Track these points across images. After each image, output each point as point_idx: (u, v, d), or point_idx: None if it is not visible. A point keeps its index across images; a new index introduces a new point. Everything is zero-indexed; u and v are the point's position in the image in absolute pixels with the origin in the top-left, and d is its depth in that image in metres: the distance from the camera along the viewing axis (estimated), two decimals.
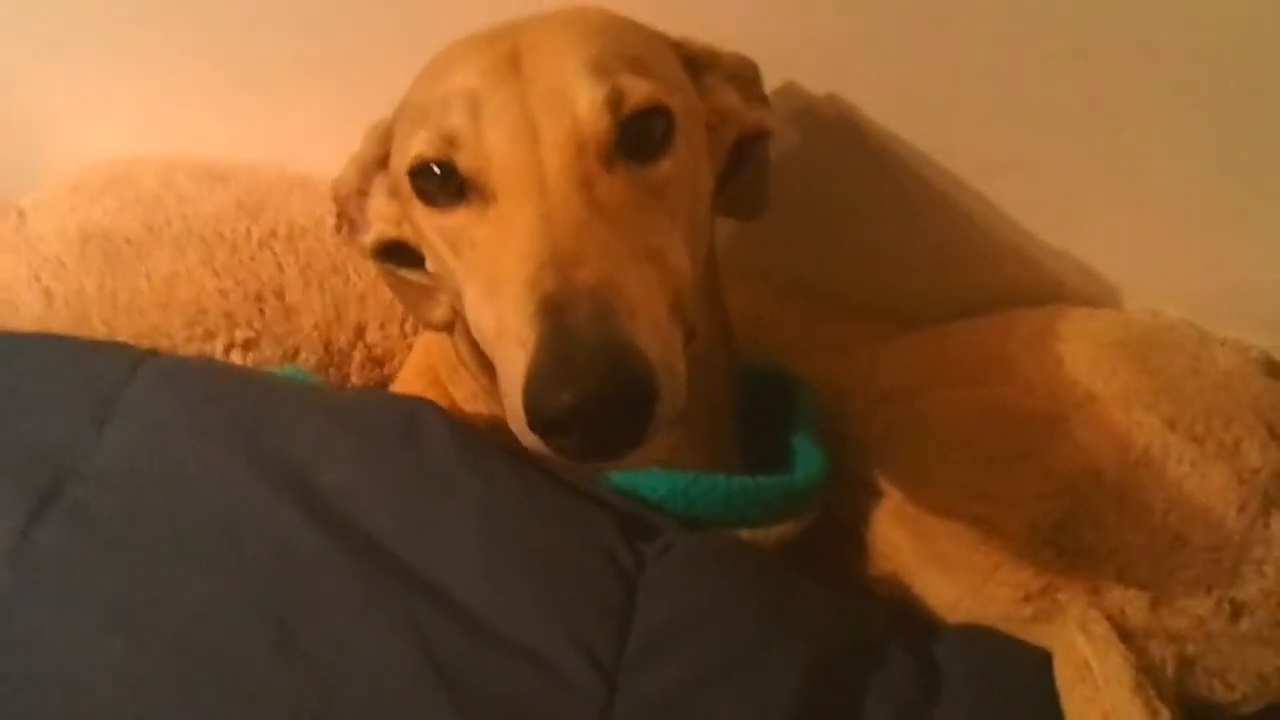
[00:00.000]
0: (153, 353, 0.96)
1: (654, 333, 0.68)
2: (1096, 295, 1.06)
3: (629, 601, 0.85)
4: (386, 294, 1.06)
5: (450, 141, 0.75)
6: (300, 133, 1.11)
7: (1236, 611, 0.91)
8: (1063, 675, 0.88)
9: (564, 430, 0.64)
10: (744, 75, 0.93)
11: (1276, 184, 0.97)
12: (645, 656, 0.83)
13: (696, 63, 0.89)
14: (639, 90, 0.75)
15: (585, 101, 0.74)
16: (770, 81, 0.95)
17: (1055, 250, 1.06)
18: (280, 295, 1.06)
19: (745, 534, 0.93)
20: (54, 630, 0.81)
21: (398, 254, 0.93)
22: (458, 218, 0.77)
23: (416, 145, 0.77)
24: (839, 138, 1.04)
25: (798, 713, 0.83)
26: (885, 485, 0.98)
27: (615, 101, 0.74)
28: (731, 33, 0.92)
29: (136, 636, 0.80)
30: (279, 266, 1.07)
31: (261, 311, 1.06)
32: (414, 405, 0.92)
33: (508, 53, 0.77)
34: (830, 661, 0.87)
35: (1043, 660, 0.90)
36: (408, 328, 1.09)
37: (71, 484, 0.86)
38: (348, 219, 0.92)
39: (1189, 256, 1.04)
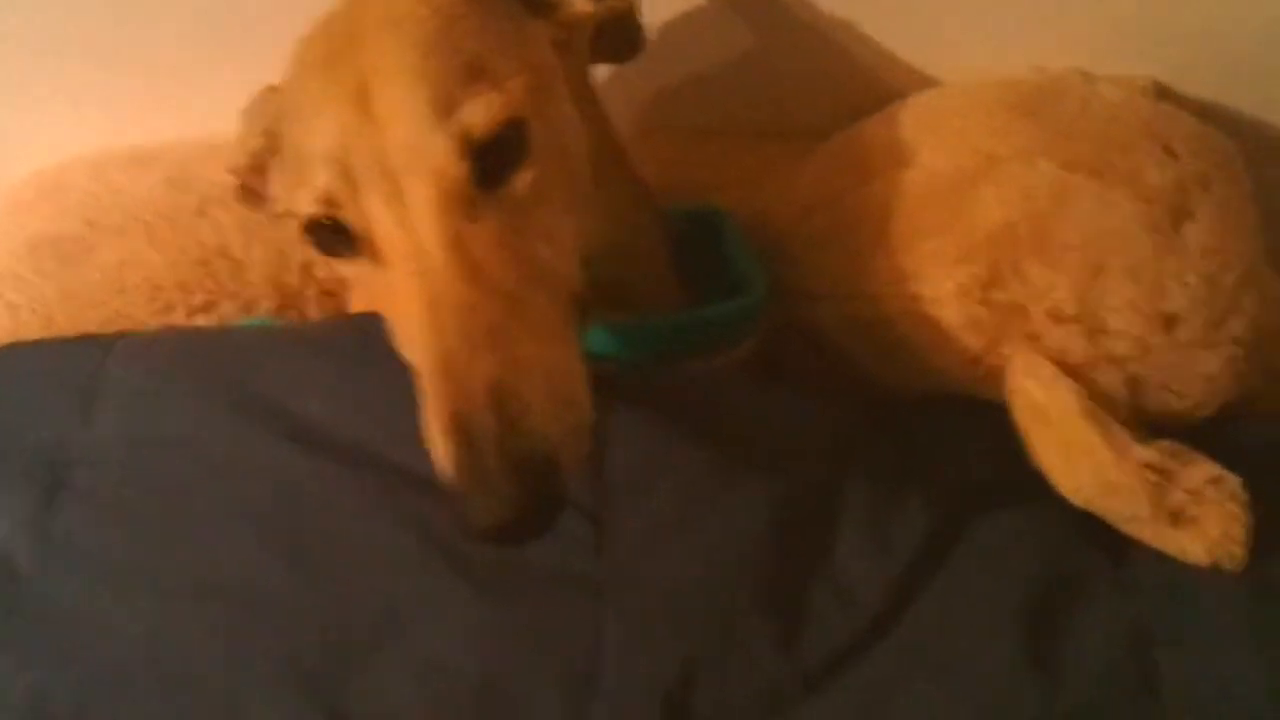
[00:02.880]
0: (120, 336, 1.01)
1: (552, 409, 0.71)
2: (985, 64, 1.09)
3: (599, 448, 0.90)
4: None
5: (331, 203, 0.77)
6: (207, 102, 1.15)
7: (1169, 323, 0.95)
8: (1021, 421, 0.93)
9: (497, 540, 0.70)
10: None
11: None
12: (625, 493, 0.89)
13: None
14: (484, 116, 0.75)
15: (440, 153, 0.74)
16: None
17: (939, 35, 1.09)
18: (225, 254, 1.11)
19: (698, 364, 0.98)
20: (83, 600, 0.87)
21: None
22: (359, 266, 0.80)
23: (302, 205, 0.78)
24: None
25: (779, 507, 0.89)
26: (823, 291, 1.02)
27: (465, 139, 0.75)
28: None
29: (159, 592, 0.87)
30: (218, 229, 1.12)
31: (211, 275, 1.10)
32: (368, 322, 0.96)
33: (356, 91, 0.76)
34: (802, 459, 0.93)
35: (998, 411, 0.95)
36: None
37: (73, 472, 0.92)
38: (251, 191, 0.94)
39: (1063, 6, 1.07)
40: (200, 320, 1.09)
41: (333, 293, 1.12)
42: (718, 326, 0.98)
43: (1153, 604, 0.89)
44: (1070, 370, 0.95)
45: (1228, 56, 1.09)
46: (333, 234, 0.78)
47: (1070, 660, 0.86)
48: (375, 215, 0.75)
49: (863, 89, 1.12)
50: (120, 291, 1.09)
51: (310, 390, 0.92)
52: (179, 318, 1.08)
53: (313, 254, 0.82)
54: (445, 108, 0.75)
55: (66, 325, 1.08)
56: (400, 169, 0.74)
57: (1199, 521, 0.89)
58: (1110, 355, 0.95)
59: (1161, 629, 0.88)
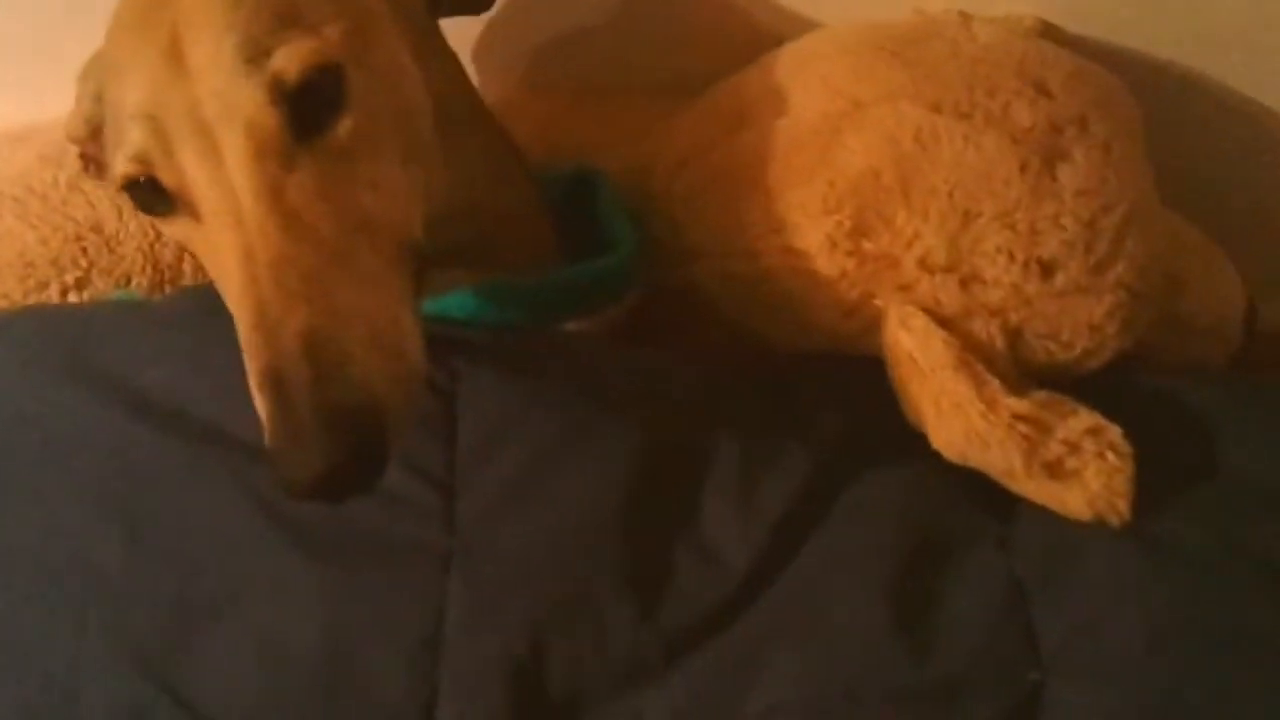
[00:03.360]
0: None
1: (375, 359, 0.69)
2: (871, 9, 1.06)
3: (449, 413, 0.88)
4: None
5: (145, 161, 0.75)
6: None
7: (1047, 270, 0.92)
8: (896, 374, 0.91)
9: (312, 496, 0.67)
10: None
11: None
12: (477, 458, 0.87)
13: None
14: (295, 62, 0.73)
15: (251, 102, 0.72)
16: None
17: None
18: (99, 230, 1.09)
19: (572, 326, 0.96)
20: None
21: None
22: (178, 225, 0.78)
23: (119, 165, 0.76)
24: None
25: (641, 468, 0.87)
26: (700, 247, 1.00)
27: (276, 87, 0.72)
28: None
29: (4, 573, 0.85)
30: (90, 204, 1.10)
31: (84, 250, 1.09)
32: (209, 293, 0.95)
33: (168, 45, 0.74)
34: (669, 422, 0.90)
35: (875, 366, 0.92)
36: None
37: None
38: (92, 160, 0.92)
39: None
40: (73, 297, 1.07)
41: None
42: (583, 287, 0.95)
43: (1032, 561, 0.86)
44: (946, 321, 0.92)
45: None
46: (150, 193, 0.76)
47: (944, 624, 0.84)
48: (189, 170, 0.74)
49: (748, 38, 1.08)
50: None
51: (150, 362, 0.90)
52: (52, 294, 1.07)
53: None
54: (254, 55, 0.72)
55: None
56: (213, 121, 0.73)
57: (1079, 474, 0.86)
58: (986, 305, 0.92)
59: (1038, 585, 0.85)
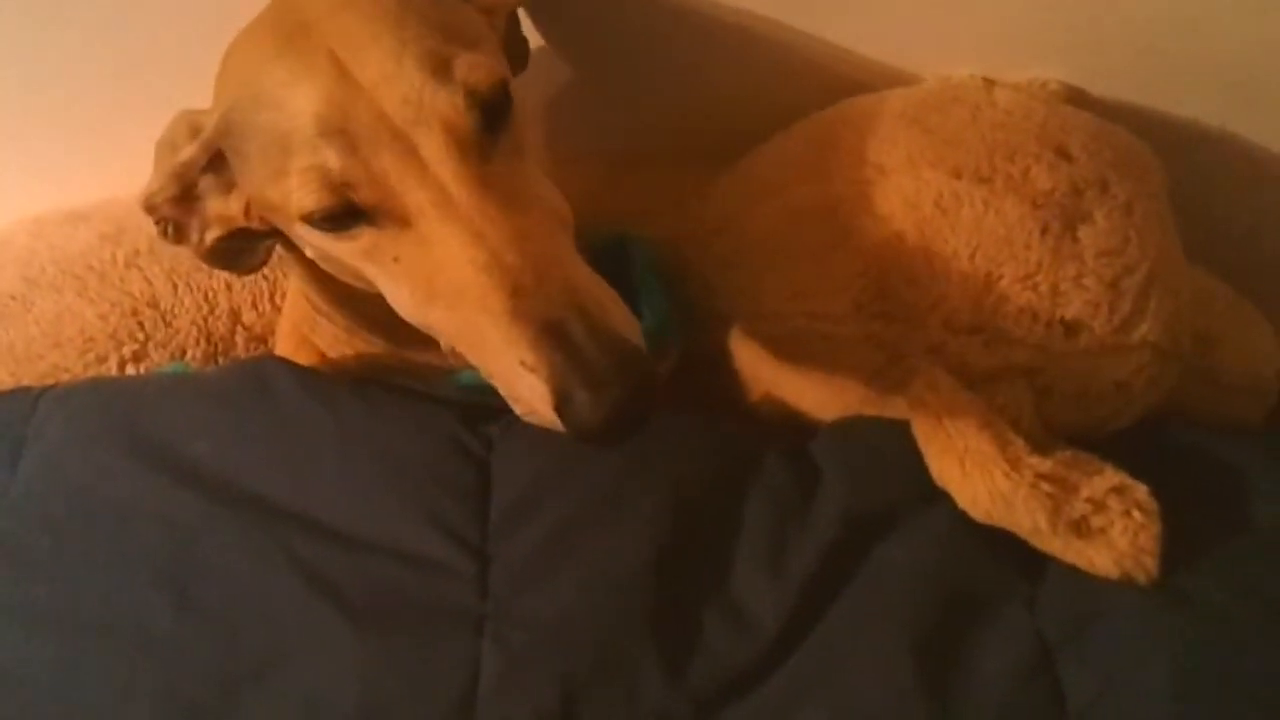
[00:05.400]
0: (49, 388, 1.04)
1: (616, 305, 0.75)
2: (894, 82, 1.08)
3: (484, 480, 0.91)
4: (251, 276, 1.14)
5: (341, 184, 0.76)
6: (132, 160, 1.19)
7: (1071, 330, 0.93)
8: (920, 432, 0.92)
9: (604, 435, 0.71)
10: None
11: None
12: (509, 523, 0.89)
13: None
14: (482, 73, 0.78)
15: (447, 105, 0.76)
16: None
17: (845, 49, 1.08)
18: (155, 305, 1.14)
19: None
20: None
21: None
22: (366, 239, 0.79)
23: (305, 198, 0.77)
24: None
25: (671, 531, 0.89)
26: (731, 311, 1.02)
27: (470, 95, 0.77)
28: None
29: (62, 634, 0.89)
30: (147, 280, 1.15)
31: (141, 325, 1.13)
32: (263, 367, 0.99)
33: (329, 62, 0.77)
34: (699, 485, 0.92)
35: (904, 428, 0.93)
36: (277, 300, 1.16)
37: None
38: (171, 223, 0.92)
39: (971, 12, 1.06)
40: (131, 369, 1.11)
41: (261, 338, 1.14)
42: None
43: (1060, 620, 0.87)
44: (974, 381, 0.93)
45: (1144, 54, 1.06)
46: (339, 216, 0.78)
47: (970, 685, 0.85)
48: (393, 176, 0.76)
49: (778, 106, 1.11)
50: (56, 345, 1.12)
51: (198, 434, 0.94)
52: (111, 367, 1.11)
53: (312, 233, 0.81)
54: (437, 67, 0.77)
55: (6, 379, 1.11)
56: (406, 127, 0.76)
57: (1106, 532, 0.87)
58: (1013, 365, 0.94)
59: (1067, 645, 0.86)
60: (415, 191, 0.76)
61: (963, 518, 0.90)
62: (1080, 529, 0.87)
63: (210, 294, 1.15)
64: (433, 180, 0.75)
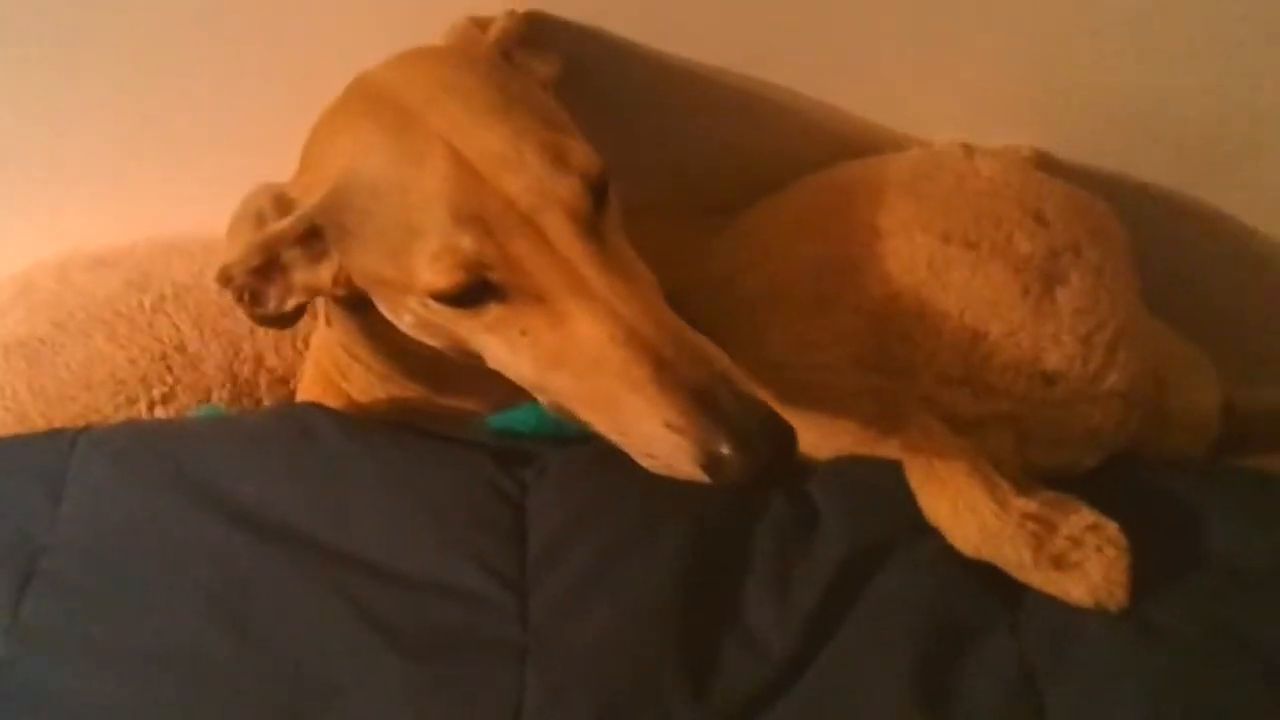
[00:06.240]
0: (85, 429, 1.09)
1: (737, 368, 0.83)
2: (880, 143, 1.18)
3: (520, 521, 0.98)
4: None
5: (477, 265, 0.82)
6: (164, 204, 1.24)
7: (1049, 381, 1.02)
8: (913, 476, 1.00)
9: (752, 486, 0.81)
10: (523, 34, 1.01)
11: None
12: (545, 561, 0.96)
13: (504, 48, 0.98)
14: (592, 160, 0.85)
15: (569, 192, 0.83)
16: None
17: (836, 111, 1.17)
18: (182, 350, 1.20)
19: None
20: (53, 681, 0.94)
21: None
22: (493, 314, 0.85)
23: (439, 279, 0.82)
24: (609, 62, 1.14)
25: (690, 568, 0.96)
26: (734, 359, 1.09)
27: (585, 180, 0.84)
28: None
29: (121, 669, 0.94)
30: (175, 326, 1.21)
31: (169, 369, 1.19)
32: (303, 411, 1.06)
33: (445, 150, 0.83)
34: (713, 522, 1.00)
35: (893, 467, 1.02)
36: (299, 344, 1.22)
37: (41, 559, 0.99)
38: (248, 291, 0.94)
39: (953, 81, 1.15)
40: (160, 411, 1.17)
41: (283, 380, 1.21)
42: None
43: (1040, 645, 0.95)
44: (962, 427, 1.02)
45: (1109, 123, 1.16)
46: (468, 293, 0.84)
47: (963, 703, 0.92)
48: (527, 259, 0.83)
49: (773, 164, 1.19)
50: (87, 388, 1.17)
51: (246, 477, 1.00)
52: (141, 410, 1.17)
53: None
54: (555, 154, 0.84)
55: (39, 421, 1.16)
56: (533, 211, 0.83)
57: (1081, 566, 0.95)
58: (998, 414, 1.02)
59: (1047, 667, 0.94)
60: (547, 272, 0.82)
61: (950, 551, 0.97)
62: (1059, 563, 0.95)
63: (235, 339, 1.21)
64: (562, 261, 0.82)
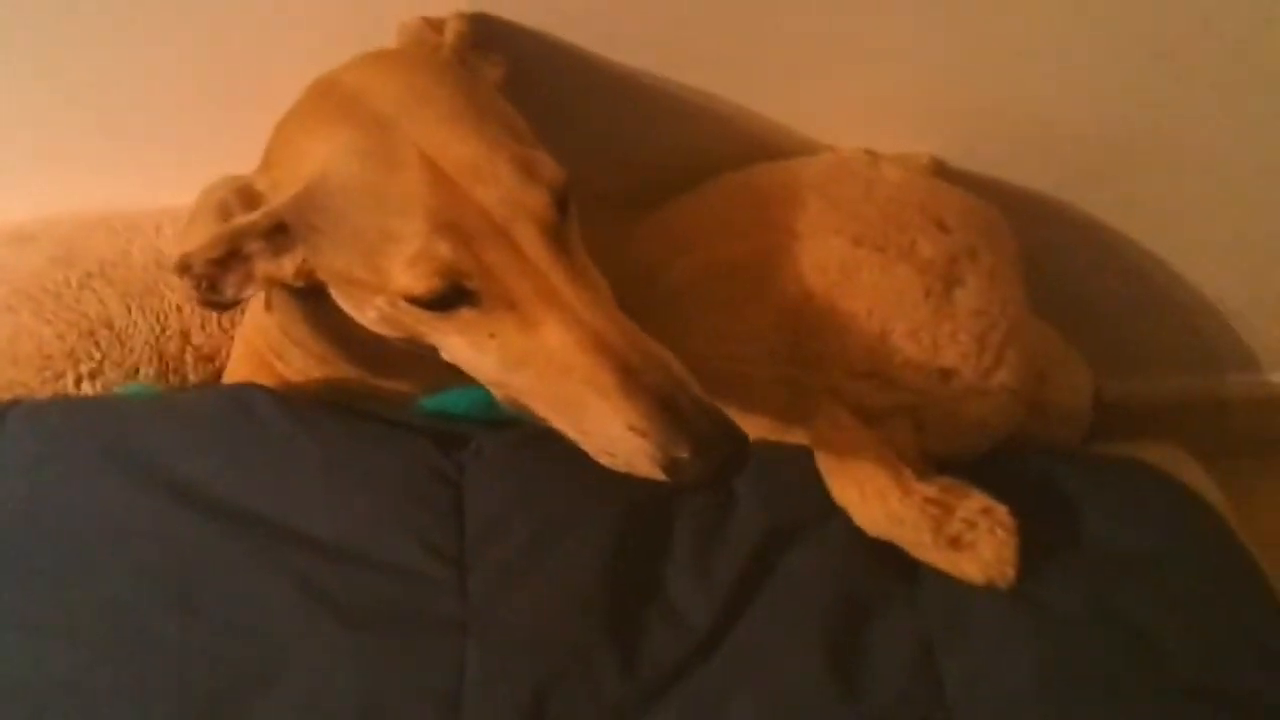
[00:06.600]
0: (15, 403, 1.10)
1: (692, 376, 0.87)
2: (792, 147, 1.25)
3: (458, 500, 1.03)
4: None
5: (453, 272, 0.85)
6: (88, 180, 1.25)
7: (946, 376, 1.11)
8: (823, 463, 1.07)
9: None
10: (473, 34, 1.04)
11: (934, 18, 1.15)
12: (483, 540, 1.01)
13: (459, 52, 1.01)
14: (558, 173, 0.88)
15: (539, 203, 0.86)
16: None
17: (753, 115, 1.24)
18: (109, 325, 1.21)
19: None
20: (3, 657, 0.96)
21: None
22: (464, 317, 0.88)
23: (417, 283, 0.85)
24: (546, 60, 1.18)
25: (618, 548, 1.02)
26: None
27: (552, 192, 0.87)
28: None
29: (71, 641, 0.96)
30: (101, 301, 1.22)
31: (97, 344, 1.20)
32: (242, 391, 1.08)
33: (420, 159, 0.86)
34: (640, 503, 1.05)
35: (803, 453, 1.09)
36: (225, 323, 1.24)
37: None
38: (205, 280, 0.95)
39: (858, 91, 1.23)
40: (86, 387, 1.18)
41: (209, 357, 1.23)
42: None
43: (937, 618, 1.03)
44: (869, 417, 1.09)
45: (999, 135, 1.25)
46: (442, 298, 0.87)
47: (868, 671, 1.00)
48: (499, 267, 0.86)
49: (692, 164, 1.25)
50: (13, 363, 1.18)
51: (187, 455, 1.03)
52: (68, 385, 1.18)
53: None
54: (525, 167, 0.87)
55: None
56: (506, 221, 0.86)
57: (975, 546, 1.02)
58: (900, 405, 1.10)
59: (944, 639, 1.02)
60: (519, 280, 0.86)
61: (856, 531, 1.05)
62: (955, 543, 1.02)
63: (162, 315, 1.23)
64: (533, 270, 0.86)
